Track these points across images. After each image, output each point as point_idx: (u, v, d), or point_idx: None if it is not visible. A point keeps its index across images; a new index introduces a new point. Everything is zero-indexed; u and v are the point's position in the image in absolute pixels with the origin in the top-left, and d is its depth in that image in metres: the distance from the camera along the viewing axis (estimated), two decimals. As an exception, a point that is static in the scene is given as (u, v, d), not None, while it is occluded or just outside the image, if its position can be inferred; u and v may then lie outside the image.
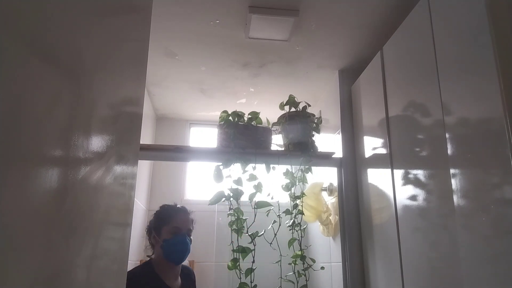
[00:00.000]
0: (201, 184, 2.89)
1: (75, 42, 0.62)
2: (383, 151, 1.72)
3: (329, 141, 2.33)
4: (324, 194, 2.27)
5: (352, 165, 2.08)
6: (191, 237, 1.84)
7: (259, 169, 1.98)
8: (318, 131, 2.17)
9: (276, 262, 1.88)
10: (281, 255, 1.89)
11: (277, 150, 2.09)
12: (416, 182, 1.43)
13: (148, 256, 1.84)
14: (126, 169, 0.99)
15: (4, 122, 0.43)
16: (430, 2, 1.35)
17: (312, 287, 2.25)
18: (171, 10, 1.72)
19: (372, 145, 1.88)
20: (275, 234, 1.91)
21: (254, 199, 1.93)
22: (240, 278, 1.86)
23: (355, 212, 2.02)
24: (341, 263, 2.00)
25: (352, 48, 2.03)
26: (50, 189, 0.54)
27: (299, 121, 2.08)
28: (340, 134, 2.14)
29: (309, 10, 1.72)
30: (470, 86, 1.12)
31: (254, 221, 1.90)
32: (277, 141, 2.16)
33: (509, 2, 1.06)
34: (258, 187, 1.95)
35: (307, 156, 2.03)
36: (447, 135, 1.22)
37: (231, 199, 1.91)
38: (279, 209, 1.98)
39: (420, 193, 1.40)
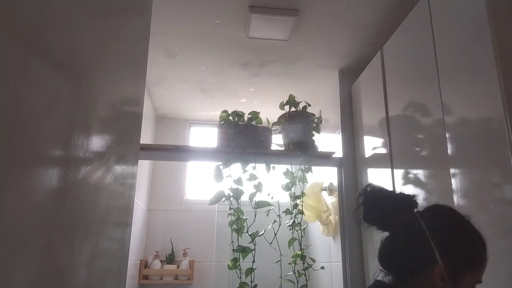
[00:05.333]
0: (201, 184, 2.89)
1: (75, 42, 0.62)
2: (383, 151, 1.72)
3: (329, 141, 2.33)
4: (324, 194, 2.27)
5: (352, 165, 2.08)
6: None
7: (259, 168, 1.98)
8: (318, 131, 2.17)
9: (276, 262, 1.88)
10: (281, 254, 1.89)
11: (277, 150, 2.08)
12: (416, 182, 1.43)
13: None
14: (126, 169, 0.99)
15: (4, 122, 0.43)
16: (430, 2, 1.35)
17: (312, 287, 2.25)
18: (171, 10, 1.72)
19: (372, 145, 1.88)
20: (275, 234, 1.91)
21: (254, 199, 1.93)
22: (240, 277, 1.86)
23: (355, 212, 2.01)
24: (341, 263, 2.00)
25: (352, 48, 2.03)
26: (50, 189, 0.54)
27: (299, 121, 2.08)
28: (340, 134, 2.14)
29: (309, 10, 1.72)
30: (470, 86, 1.12)
31: (254, 221, 1.90)
32: (277, 141, 2.16)
33: (509, 2, 1.06)
34: (258, 187, 1.95)
35: (307, 156, 2.03)
36: (447, 135, 1.22)
37: (231, 198, 1.91)
38: (279, 209, 1.97)
39: (420, 193, 1.40)
